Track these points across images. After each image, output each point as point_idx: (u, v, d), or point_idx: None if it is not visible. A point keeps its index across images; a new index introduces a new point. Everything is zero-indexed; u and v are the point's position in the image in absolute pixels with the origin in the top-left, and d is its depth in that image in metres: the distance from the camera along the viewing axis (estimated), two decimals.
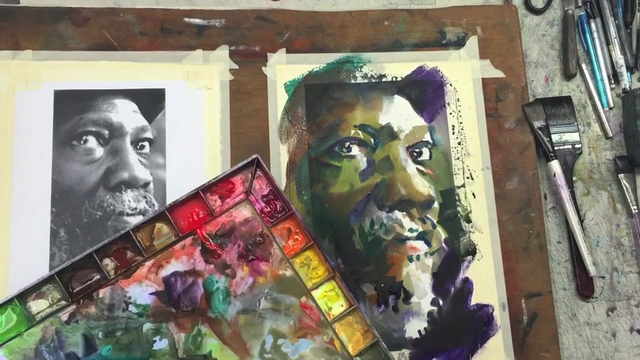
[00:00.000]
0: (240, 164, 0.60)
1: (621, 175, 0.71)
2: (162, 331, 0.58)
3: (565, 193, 0.68)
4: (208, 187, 0.60)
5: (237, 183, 0.60)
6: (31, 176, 0.64)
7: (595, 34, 0.76)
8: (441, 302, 0.65)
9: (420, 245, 0.66)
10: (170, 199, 0.64)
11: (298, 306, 0.60)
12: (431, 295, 0.65)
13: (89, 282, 0.58)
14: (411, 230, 0.66)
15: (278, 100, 0.69)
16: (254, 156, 0.60)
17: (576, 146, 0.71)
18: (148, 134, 0.66)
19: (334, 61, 0.71)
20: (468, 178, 0.69)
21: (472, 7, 0.74)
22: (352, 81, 0.70)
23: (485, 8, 0.75)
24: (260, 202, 0.60)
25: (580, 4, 0.77)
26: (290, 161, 0.68)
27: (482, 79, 0.72)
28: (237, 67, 0.69)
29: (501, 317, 0.65)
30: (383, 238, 0.66)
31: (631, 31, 0.76)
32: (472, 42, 0.73)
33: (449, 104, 0.71)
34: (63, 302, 0.58)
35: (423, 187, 0.68)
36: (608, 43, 0.76)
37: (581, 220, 0.69)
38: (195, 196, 0.60)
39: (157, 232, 0.59)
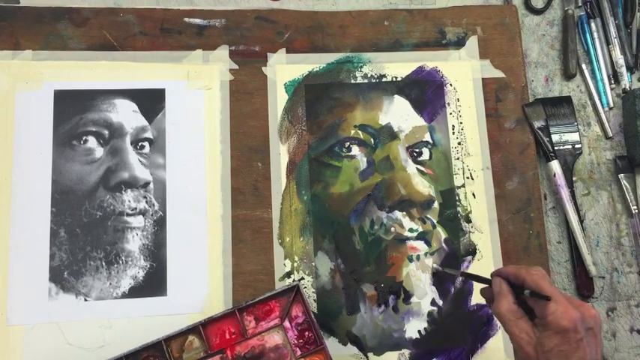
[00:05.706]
0: (281, 288, 0.59)
1: (621, 175, 0.71)
2: None
3: (565, 193, 0.68)
4: (246, 307, 0.59)
5: (275, 307, 0.60)
6: (31, 176, 0.64)
7: (595, 34, 0.76)
8: (441, 302, 0.65)
9: (420, 245, 0.66)
10: (170, 199, 0.64)
11: None
12: (431, 295, 0.65)
13: None
14: (411, 230, 0.66)
15: (278, 100, 0.69)
16: (295, 282, 0.59)
17: (576, 146, 0.71)
18: (148, 134, 0.66)
19: (334, 61, 0.71)
20: (468, 178, 0.69)
21: (472, 7, 0.74)
22: (352, 81, 0.70)
23: (485, 8, 0.75)
24: (294, 330, 0.59)
25: (580, 4, 0.77)
26: (290, 161, 0.68)
27: (483, 79, 0.72)
28: (237, 67, 0.69)
29: None
30: (383, 238, 0.66)
31: (631, 31, 0.76)
32: (472, 42, 0.73)
33: (449, 104, 0.71)
34: None
35: (423, 187, 0.68)
36: (608, 43, 0.76)
37: (581, 220, 0.69)
38: (231, 314, 0.59)
39: (188, 344, 0.58)
